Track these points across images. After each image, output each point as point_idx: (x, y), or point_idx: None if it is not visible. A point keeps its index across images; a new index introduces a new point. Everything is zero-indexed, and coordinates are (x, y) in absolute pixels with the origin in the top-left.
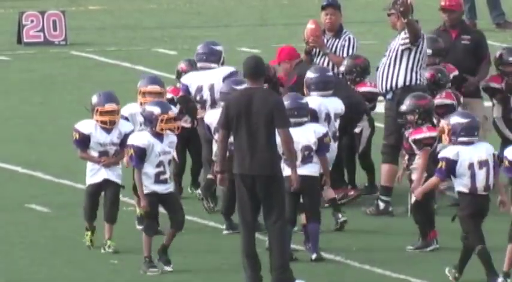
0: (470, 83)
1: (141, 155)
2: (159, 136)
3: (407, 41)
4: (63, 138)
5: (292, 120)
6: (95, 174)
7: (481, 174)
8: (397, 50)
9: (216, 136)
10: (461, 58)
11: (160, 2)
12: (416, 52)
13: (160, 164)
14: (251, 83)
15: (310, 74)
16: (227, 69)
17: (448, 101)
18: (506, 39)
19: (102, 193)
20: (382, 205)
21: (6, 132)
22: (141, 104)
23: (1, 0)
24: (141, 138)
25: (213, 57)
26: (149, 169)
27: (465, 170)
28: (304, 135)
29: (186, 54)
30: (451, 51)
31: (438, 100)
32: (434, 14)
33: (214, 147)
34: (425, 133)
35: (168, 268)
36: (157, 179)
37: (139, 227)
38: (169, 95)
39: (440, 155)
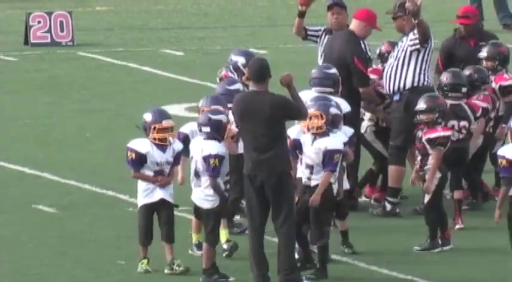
0: None
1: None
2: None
3: (416, 41)
4: (70, 138)
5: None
6: (149, 194)
7: None
8: (406, 51)
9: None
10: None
11: (168, 2)
12: (424, 53)
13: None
14: (256, 85)
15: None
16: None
17: (483, 104)
18: None
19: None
20: (389, 206)
21: (13, 133)
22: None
23: (8, 1)
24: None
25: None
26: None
27: None
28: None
29: (193, 55)
30: (471, 59)
31: (474, 101)
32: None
33: None
34: (439, 132)
35: None
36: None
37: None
38: None
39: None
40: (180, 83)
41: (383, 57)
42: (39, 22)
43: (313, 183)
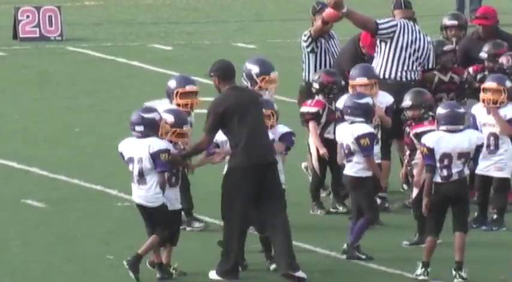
0: None
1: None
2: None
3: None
4: (59, 134)
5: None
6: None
7: None
8: (378, 43)
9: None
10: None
11: None
12: (391, 45)
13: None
14: (230, 82)
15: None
16: None
17: None
18: None
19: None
20: (377, 201)
21: (2, 128)
22: (178, 105)
23: None
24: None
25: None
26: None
27: None
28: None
29: (182, 49)
30: None
31: None
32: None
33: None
34: (426, 127)
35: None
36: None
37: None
38: None
39: None
40: (169, 77)
41: None
42: (27, 17)
43: None
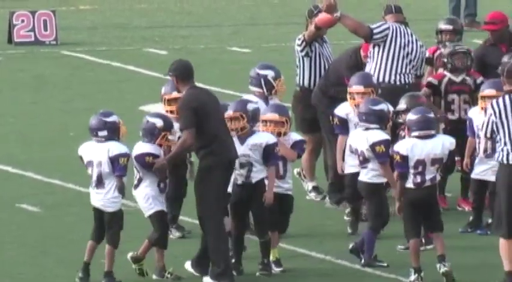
0: None
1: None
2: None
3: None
4: (54, 137)
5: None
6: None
7: None
8: (371, 47)
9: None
10: None
11: (151, 1)
12: (384, 48)
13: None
14: (191, 81)
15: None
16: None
17: None
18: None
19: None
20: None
21: None
22: (166, 111)
23: None
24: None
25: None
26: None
27: None
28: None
29: (177, 53)
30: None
31: None
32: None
33: None
34: None
35: None
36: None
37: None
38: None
39: None
40: (163, 82)
41: None
42: (22, 21)
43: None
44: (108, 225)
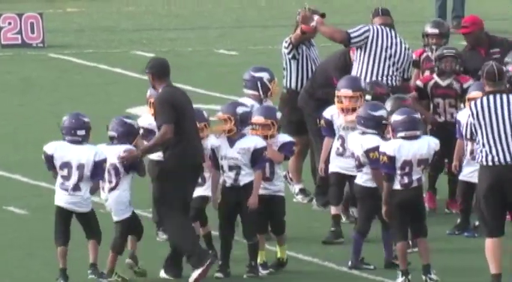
0: None
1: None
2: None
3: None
4: (41, 140)
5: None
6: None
7: None
8: (356, 50)
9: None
10: None
11: (139, 4)
12: (365, 50)
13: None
14: (167, 80)
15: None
16: None
17: None
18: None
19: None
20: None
21: None
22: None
23: None
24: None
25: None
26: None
27: None
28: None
29: (164, 56)
30: None
31: None
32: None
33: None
34: None
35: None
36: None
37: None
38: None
39: None
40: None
41: None
42: (9, 23)
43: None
44: (86, 223)
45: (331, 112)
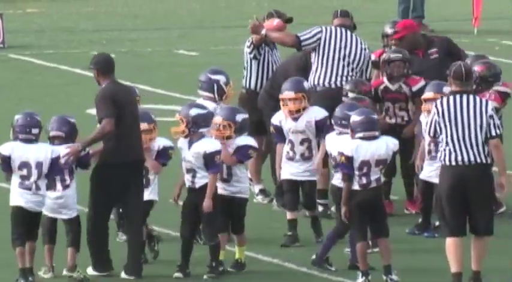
0: None
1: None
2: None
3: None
4: (2, 140)
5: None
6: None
7: None
8: (312, 51)
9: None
10: (440, 72)
11: (98, 4)
12: (319, 51)
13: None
14: (112, 76)
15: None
16: None
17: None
18: None
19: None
20: (320, 208)
21: None
22: None
23: None
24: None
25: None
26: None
27: None
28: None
29: (124, 57)
30: (425, 70)
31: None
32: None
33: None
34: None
35: None
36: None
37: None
38: None
39: None
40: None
41: None
42: None
43: None
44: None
45: (279, 118)
